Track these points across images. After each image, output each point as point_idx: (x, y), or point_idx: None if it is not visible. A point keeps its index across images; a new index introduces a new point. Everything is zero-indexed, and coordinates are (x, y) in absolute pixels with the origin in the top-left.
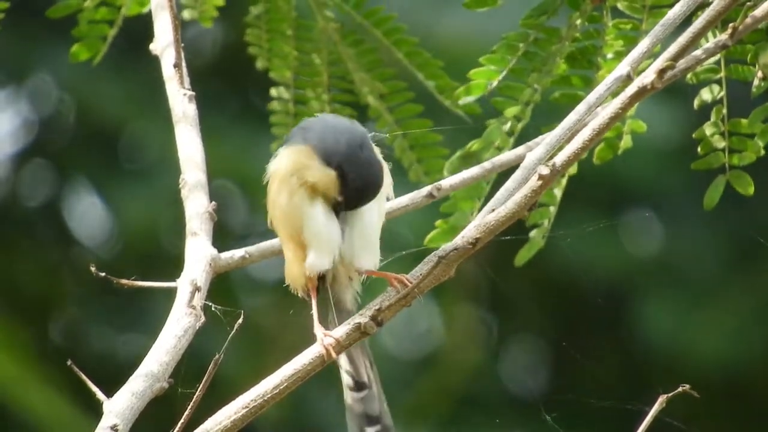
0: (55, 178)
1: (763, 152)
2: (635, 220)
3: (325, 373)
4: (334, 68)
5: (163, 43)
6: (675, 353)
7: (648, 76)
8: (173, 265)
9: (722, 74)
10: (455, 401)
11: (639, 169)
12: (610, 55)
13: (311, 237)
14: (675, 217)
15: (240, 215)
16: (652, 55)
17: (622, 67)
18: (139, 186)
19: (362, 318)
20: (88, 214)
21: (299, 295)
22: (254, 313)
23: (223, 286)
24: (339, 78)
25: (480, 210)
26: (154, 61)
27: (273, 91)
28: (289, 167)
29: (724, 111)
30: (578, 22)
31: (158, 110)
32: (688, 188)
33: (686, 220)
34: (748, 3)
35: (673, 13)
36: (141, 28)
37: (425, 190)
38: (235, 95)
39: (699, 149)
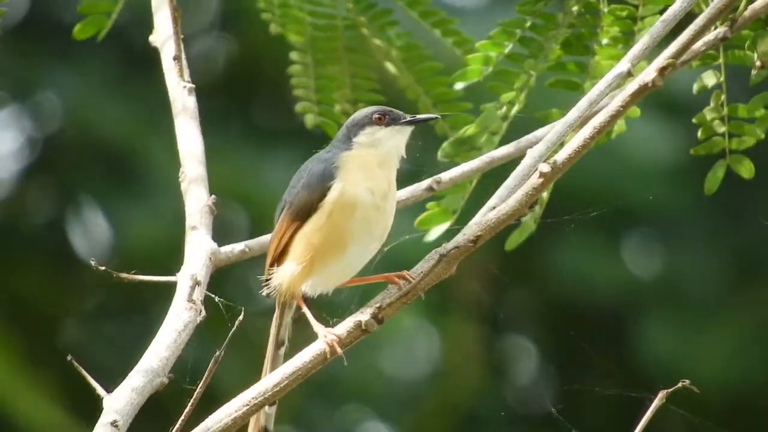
0: (58, 195)
1: (762, 136)
2: (637, 240)
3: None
4: (349, 32)
5: (163, 36)
6: (676, 373)
7: (649, 74)
8: (169, 288)
9: (721, 60)
10: (458, 418)
11: (640, 189)
12: (606, 41)
13: (337, 267)
14: (676, 237)
15: (242, 234)
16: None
17: (623, 64)
18: (141, 204)
19: (363, 315)
20: (91, 231)
21: (280, 299)
22: (252, 318)
23: (222, 294)
24: (354, 41)
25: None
26: (159, 81)
27: (292, 55)
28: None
29: (723, 96)
30: (575, 8)
31: (162, 128)
32: (690, 209)
33: (687, 241)
34: None
35: (674, 9)
36: (144, 46)
37: (425, 184)
38: (238, 115)
39: (698, 134)
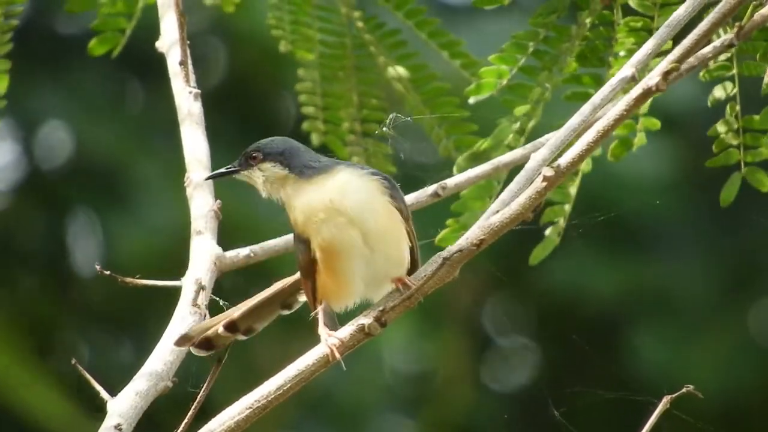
0: (54, 209)
1: None
2: (632, 250)
3: None
4: (358, 51)
5: (169, 42)
6: (671, 381)
7: (653, 78)
8: (170, 296)
9: (735, 71)
10: (458, 424)
11: (637, 202)
12: (621, 53)
13: (349, 292)
14: (670, 248)
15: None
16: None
17: (627, 69)
18: (136, 219)
19: (366, 319)
20: (86, 245)
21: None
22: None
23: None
24: (363, 60)
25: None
26: (154, 98)
27: (300, 72)
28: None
29: (738, 108)
30: (588, 20)
31: (157, 144)
32: (684, 220)
33: (681, 251)
34: (755, 2)
35: (678, 14)
36: (140, 62)
37: (430, 189)
38: (234, 132)
39: (713, 147)
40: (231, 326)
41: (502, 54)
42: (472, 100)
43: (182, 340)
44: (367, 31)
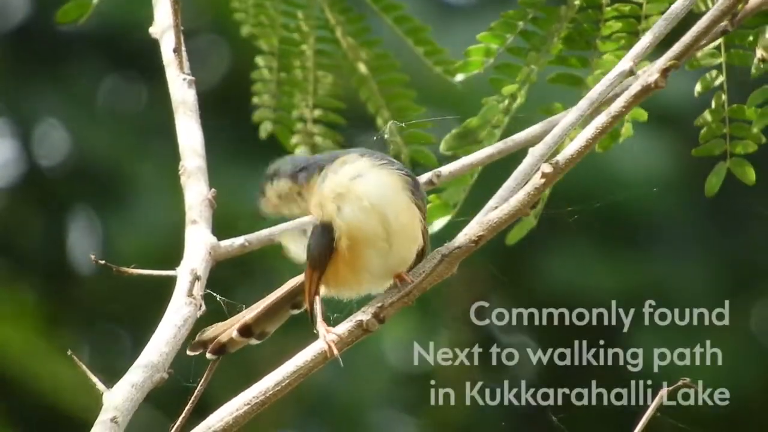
0: (52, 207)
1: (763, 140)
2: (630, 250)
3: None
4: (321, 35)
5: (163, 28)
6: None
7: (652, 75)
8: (168, 290)
9: (722, 59)
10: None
11: (634, 200)
12: (609, 37)
13: (358, 284)
14: (670, 247)
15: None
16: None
17: (625, 63)
18: (135, 217)
19: (364, 315)
20: (84, 243)
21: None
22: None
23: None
24: (325, 44)
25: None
26: (152, 94)
27: (258, 60)
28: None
29: (724, 97)
30: (577, 2)
31: (155, 143)
32: (685, 219)
33: (681, 250)
34: None
35: (675, 7)
36: (134, 63)
37: (425, 177)
38: (227, 132)
39: (700, 136)
40: (245, 330)
41: (490, 32)
42: (459, 78)
43: (196, 346)
44: (333, 13)
